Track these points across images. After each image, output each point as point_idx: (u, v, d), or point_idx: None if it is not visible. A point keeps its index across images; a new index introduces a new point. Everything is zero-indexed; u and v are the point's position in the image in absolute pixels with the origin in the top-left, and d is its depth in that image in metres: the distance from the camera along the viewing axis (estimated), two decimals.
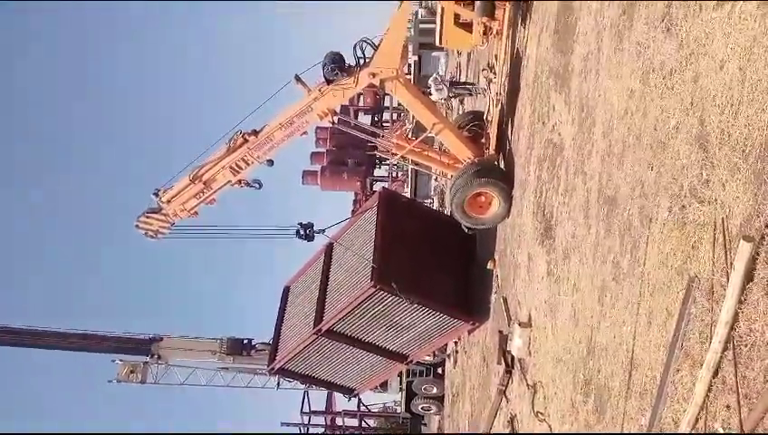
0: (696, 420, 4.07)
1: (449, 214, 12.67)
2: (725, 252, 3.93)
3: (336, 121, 11.32)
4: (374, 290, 11.91)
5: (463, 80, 20.48)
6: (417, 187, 32.21)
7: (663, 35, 5.10)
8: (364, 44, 10.52)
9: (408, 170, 31.02)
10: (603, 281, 6.08)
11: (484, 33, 10.81)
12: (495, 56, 11.62)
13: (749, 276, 3.59)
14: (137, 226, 11.90)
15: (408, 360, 14.39)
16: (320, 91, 10.68)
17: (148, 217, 11.77)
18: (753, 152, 3.71)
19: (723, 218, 3.98)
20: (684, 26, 4.76)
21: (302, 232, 11.56)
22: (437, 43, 11.75)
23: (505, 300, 10.93)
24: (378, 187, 36.63)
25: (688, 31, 4.69)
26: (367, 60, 10.62)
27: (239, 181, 11.43)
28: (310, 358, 14.16)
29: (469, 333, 14.03)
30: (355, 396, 17.25)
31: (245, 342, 27.45)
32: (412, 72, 32.19)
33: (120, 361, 26.89)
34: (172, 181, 11.52)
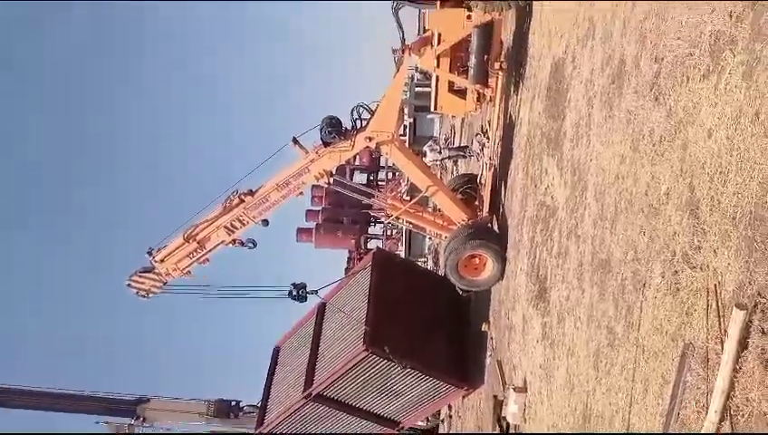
0: None
1: (443, 275, 12.63)
2: (719, 319, 3.91)
3: (332, 183, 11.41)
4: (366, 354, 11.71)
5: (457, 143, 20.82)
6: (411, 245, 32.22)
7: (652, 104, 5.23)
8: (360, 109, 10.75)
9: (402, 229, 31.11)
10: (598, 346, 6.01)
11: (478, 100, 11.10)
12: (489, 121, 11.88)
13: (743, 344, 3.57)
14: (128, 284, 11.79)
15: (400, 426, 14.01)
16: (317, 153, 10.82)
17: (140, 276, 11.68)
18: (743, 220, 3.75)
19: (715, 285, 3.98)
20: (672, 96, 4.89)
21: (294, 292, 11.47)
22: (432, 109, 12.05)
23: (500, 363, 10.77)
24: (372, 245, 36.67)
25: (676, 100, 4.81)
26: (363, 123, 10.82)
27: (233, 241, 11.40)
28: (298, 422, 13.77)
29: (463, 398, 13.75)
30: None
31: (233, 404, 26.74)
32: (407, 133, 32.73)
33: (105, 423, 26.08)
34: (166, 240, 11.50)
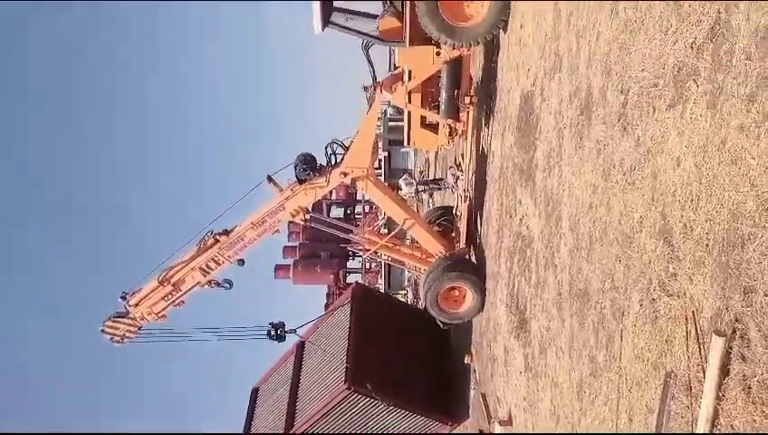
0: None
1: (423, 308, 12.57)
2: (699, 346, 3.92)
3: (308, 219, 11.36)
4: (348, 392, 11.54)
5: (431, 176, 20.96)
6: (390, 278, 32.12)
7: (620, 134, 5.32)
8: (335, 145, 10.80)
9: (381, 262, 31.03)
10: (581, 376, 5.99)
11: (450, 134, 11.21)
12: (462, 154, 11.98)
13: (725, 371, 3.57)
14: (103, 330, 11.52)
15: None
16: (292, 190, 10.79)
17: (114, 322, 11.42)
18: (716, 246, 3.79)
19: (693, 312, 4.00)
20: (640, 125, 4.98)
21: (273, 333, 11.33)
22: (405, 144, 12.14)
23: (484, 396, 10.68)
24: (351, 279, 36.46)
25: (644, 130, 4.89)
26: (338, 160, 10.85)
27: (209, 282, 11.24)
28: None
29: (449, 433, 13.57)
30: None
31: None
32: (382, 166, 32.92)
33: None
34: (140, 284, 11.29)
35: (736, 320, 3.56)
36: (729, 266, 3.65)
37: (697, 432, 3.74)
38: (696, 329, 3.97)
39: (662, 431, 4.27)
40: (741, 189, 3.59)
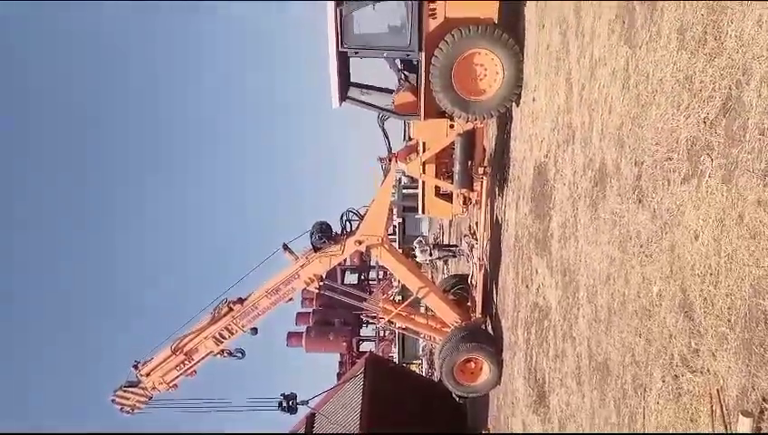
0: None
1: (439, 380, 12.31)
2: (725, 426, 3.78)
3: (322, 287, 11.33)
4: None
5: (446, 241, 20.96)
6: (405, 346, 31.63)
7: (636, 206, 5.32)
8: (350, 213, 10.91)
9: (395, 330, 30.65)
10: None
11: (464, 203, 11.30)
12: (476, 223, 12.02)
13: None
14: (113, 400, 11.37)
15: None
16: (307, 258, 10.83)
17: (125, 391, 11.29)
18: (739, 322, 3.71)
19: (717, 390, 3.88)
20: (655, 198, 4.98)
21: (284, 404, 11.12)
22: (420, 212, 12.25)
23: None
24: (365, 347, 35.93)
25: (659, 202, 4.89)
26: (353, 228, 10.94)
27: (222, 351, 11.15)
28: None
29: None
30: None
31: None
32: (397, 233, 33.02)
33: None
34: (152, 353, 11.21)
35: (764, 399, 3.44)
36: (753, 343, 3.56)
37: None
38: (722, 408, 3.84)
39: None
40: (761, 264, 3.55)
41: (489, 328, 11.98)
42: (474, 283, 12.41)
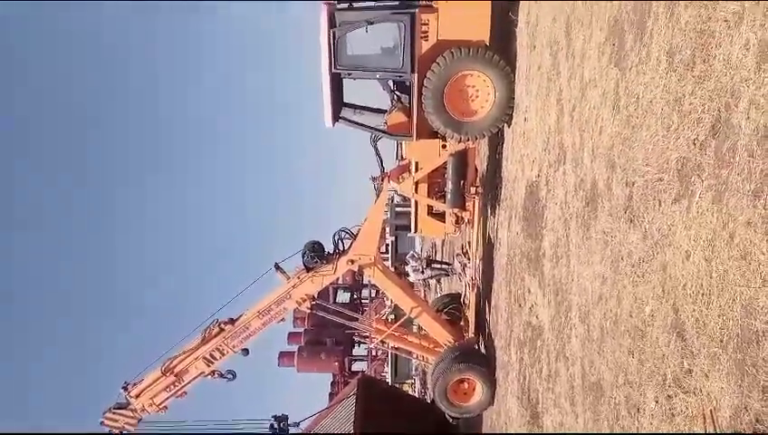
0: None
1: (432, 401, 12.24)
2: None
3: (314, 306, 11.29)
4: None
5: (439, 258, 20.95)
6: (397, 366, 31.46)
7: (627, 226, 5.35)
8: (342, 233, 10.91)
9: (388, 350, 30.51)
10: None
11: (456, 222, 11.33)
12: (469, 242, 12.04)
13: None
14: (102, 422, 11.22)
15: None
16: (298, 278, 10.80)
17: (114, 413, 11.15)
18: (731, 342, 3.72)
19: (711, 411, 3.88)
20: (646, 218, 5.01)
21: (275, 426, 11.01)
22: (413, 231, 12.27)
23: None
24: (357, 366, 35.71)
25: (650, 222, 4.92)
26: (345, 248, 10.92)
27: (212, 372, 11.05)
28: None
29: None
30: None
31: None
32: (389, 251, 33.02)
33: None
34: (141, 374, 11.10)
35: (757, 420, 3.44)
36: (746, 364, 3.57)
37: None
38: (715, 428, 3.83)
39: None
40: (752, 285, 3.57)
41: (482, 348, 11.94)
42: (466, 302, 12.41)
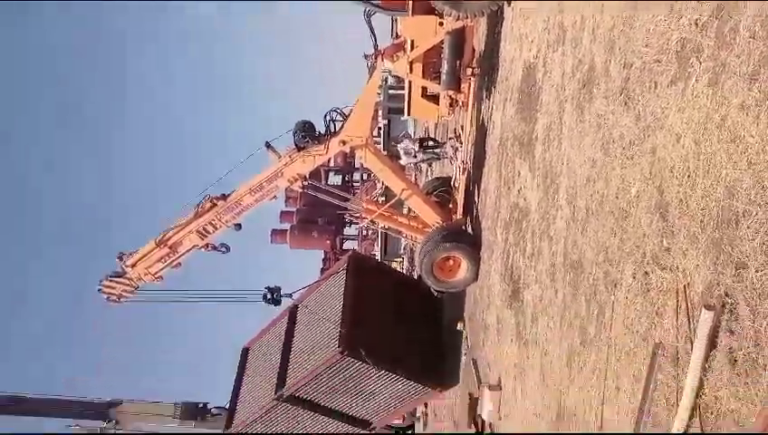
0: None
1: (418, 277, 12.72)
2: (689, 319, 4.02)
3: (306, 186, 11.40)
4: (341, 356, 11.73)
5: (431, 142, 20.91)
6: (387, 245, 32.26)
7: (621, 109, 5.35)
8: (334, 113, 10.79)
9: (378, 229, 31.16)
10: (571, 345, 6.12)
11: (451, 105, 11.17)
12: (462, 126, 11.98)
13: (712, 344, 3.68)
14: (100, 289, 11.64)
15: (372, 427, 14.06)
16: (290, 157, 10.81)
17: (111, 281, 11.54)
18: (711, 222, 3.86)
19: (684, 286, 4.10)
20: (641, 101, 5.01)
21: (269, 296, 11.46)
22: (406, 114, 12.11)
23: (475, 363, 10.88)
24: (348, 246, 36.65)
25: (645, 105, 4.93)
26: (337, 128, 10.85)
27: (206, 245, 11.34)
28: (269, 424, 13.72)
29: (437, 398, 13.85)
30: None
31: (200, 405, 26.60)
32: (381, 135, 32.79)
33: (77, 425, 25.72)
34: (137, 245, 11.38)
35: (726, 294, 3.65)
36: (723, 242, 3.73)
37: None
38: (687, 302, 4.07)
39: (647, 402, 4.41)
40: (738, 167, 3.65)
41: (469, 229, 12.25)
42: (456, 185, 12.55)
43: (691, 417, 3.82)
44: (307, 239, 36.61)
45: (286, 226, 37.66)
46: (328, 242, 36.43)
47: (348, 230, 38.92)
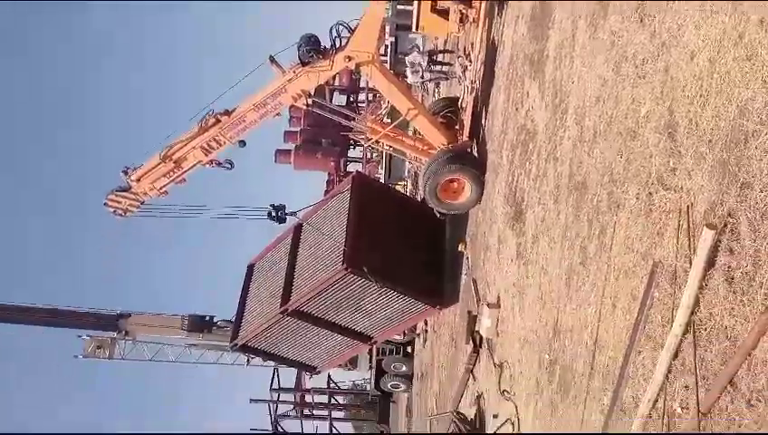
0: (656, 399, 4.21)
1: (422, 199, 12.74)
2: (689, 239, 4.05)
3: (310, 104, 11.22)
4: (345, 273, 11.95)
5: (440, 58, 20.42)
6: (391, 168, 32.17)
7: (636, 26, 5.19)
8: (340, 27, 10.45)
9: (382, 152, 31.00)
10: (570, 265, 6.21)
11: (461, 21, 10.81)
12: (471, 44, 11.64)
13: (711, 263, 3.72)
14: (106, 203, 11.71)
15: (373, 341, 14.53)
16: (294, 72, 10.59)
17: (117, 195, 11.59)
18: (719, 143, 3.82)
19: (688, 206, 4.10)
20: (657, 17, 4.85)
21: (273, 214, 11.51)
22: (414, 29, 11.74)
23: (475, 281, 11.08)
24: (352, 168, 36.52)
25: (661, 22, 4.77)
26: (343, 43, 10.55)
27: (210, 161, 11.30)
28: (274, 336, 14.18)
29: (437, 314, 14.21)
30: (317, 374, 17.38)
31: (207, 319, 27.45)
32: (389, 53, 31.98)
33: (88, 336, 26.67)
34: (142, 160, 11.36)
35: (729, 214, 3.66)
36: (729, 163, 3.70)
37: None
38: (689, 222, 4.08)
39: (642, 319, 4.50)
40: (751, 86, 3.57)
41: (475, 151, 12.16)
42: (463, 106, 12.35)
43: (685, 333, 3.92)
44: (311, 160, 36.39)
45: (290, 146, 37.37)
46: (332, 164, 36.24)
47: (352, 153, 38.65)
